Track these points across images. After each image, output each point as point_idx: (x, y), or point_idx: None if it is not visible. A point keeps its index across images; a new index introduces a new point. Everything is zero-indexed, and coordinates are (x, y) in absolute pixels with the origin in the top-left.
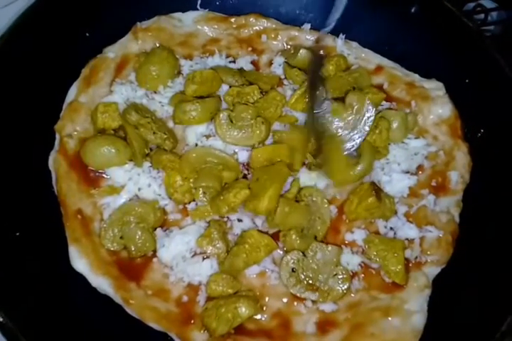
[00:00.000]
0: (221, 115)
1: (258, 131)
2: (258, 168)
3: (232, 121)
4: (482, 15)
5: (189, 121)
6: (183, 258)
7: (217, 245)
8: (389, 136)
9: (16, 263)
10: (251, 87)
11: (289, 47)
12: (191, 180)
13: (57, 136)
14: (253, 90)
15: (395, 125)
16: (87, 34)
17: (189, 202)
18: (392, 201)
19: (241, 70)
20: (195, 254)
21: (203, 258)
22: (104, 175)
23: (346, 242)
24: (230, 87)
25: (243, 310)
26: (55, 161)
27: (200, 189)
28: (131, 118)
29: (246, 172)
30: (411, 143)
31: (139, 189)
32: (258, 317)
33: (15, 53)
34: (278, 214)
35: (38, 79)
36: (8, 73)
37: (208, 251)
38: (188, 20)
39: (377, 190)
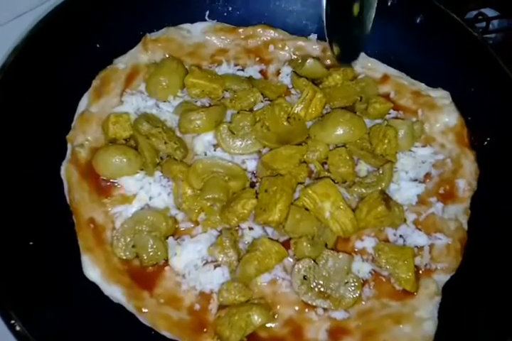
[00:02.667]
0: (221, 129)
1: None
2: (266, 178)
3: (233, 133)
4: (484, 24)
5: (194, 130)
6: (195, 266)
7: (229, 253)
8: (397, 144)
9: (30, 272)
10: (251, 89)
11: (296, 57)
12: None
13: (69, 146)
14: (254, 93)
15: (401, 133)
16: (98, 45)
17: (199, 214)
18: (401, 209)
19: (250, 78)
20: (206, 262)
21: (215, 267)
22: (115, 185)
23: (356, 250)
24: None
25: (256, 318)
26: (67, 171)
27: (208, 201)
28: (143, 129)
29: (255, 180)
30: (418, 152)
31: (150, 198)
32: (270, 324)
33: (27, 64)
34: (289, 221)
35: (50, 89)
36: (21, 84)
37: (220, 260)
38: (196, 31)
39: (386, 198)
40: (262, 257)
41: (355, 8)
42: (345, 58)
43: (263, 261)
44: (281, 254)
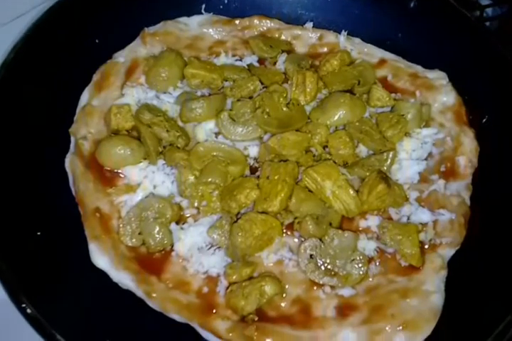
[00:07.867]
0: (222, 116)
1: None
2: (268, 164)
3: (234, 120)
4: (478, 12)
5: (195, 118)
6: (198, 249)
7: (227, 235)
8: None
9: (39, 261)
10: (251, 77)
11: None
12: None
13: (73, 139)
14: (253, 81)
15: (410, 116)
16: (97, 41)
17: (201, 201)
18: (401, 188)
19: (249, 65)
20: (211, 246)
21: (215, 250)
22: (120, 174)
23: (361, 229)
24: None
25: (268, 288)
26: (71, 163)
27: (208, 187)
28: (145, 118)
29: (257, 165)
30: (422, 132)
31: (154, 186)
32: (278, 303)
33: (28, 61)
34: (294, 200)
35: (51, 84)
36: (23, 80)
37: (218, 242)
38: (193, 24)
39: (384, 177)
40: (246, 225)
41: None
42: None
43: (248, 228)
44: (269, 222)
